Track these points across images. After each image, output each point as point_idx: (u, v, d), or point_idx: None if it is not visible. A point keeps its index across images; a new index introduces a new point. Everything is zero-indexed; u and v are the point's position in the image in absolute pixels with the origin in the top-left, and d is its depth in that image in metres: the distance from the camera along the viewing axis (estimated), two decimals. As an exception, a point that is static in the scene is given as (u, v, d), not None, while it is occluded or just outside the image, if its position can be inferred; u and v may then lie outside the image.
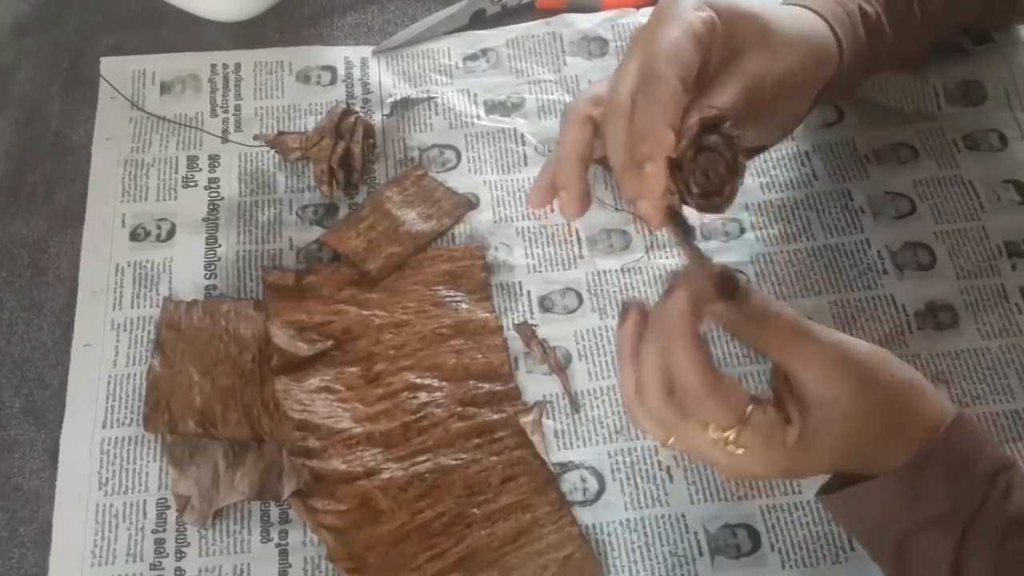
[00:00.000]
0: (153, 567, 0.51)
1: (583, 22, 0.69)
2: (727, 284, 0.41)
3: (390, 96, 0.66)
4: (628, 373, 0.42)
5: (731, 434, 0.41)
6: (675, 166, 0.41)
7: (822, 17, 0.51)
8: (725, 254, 0.59)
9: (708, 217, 0.60)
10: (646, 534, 0.51)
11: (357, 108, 0.65)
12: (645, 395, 0.42)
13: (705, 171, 0.41)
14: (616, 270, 0.60)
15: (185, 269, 0.59)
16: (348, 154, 0.61)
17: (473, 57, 0.68)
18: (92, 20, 0.70)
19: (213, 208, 0.62)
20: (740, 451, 0.42)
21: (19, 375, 0.56)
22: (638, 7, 0.70)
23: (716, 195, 0.41)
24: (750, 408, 0.41)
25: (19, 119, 0.65)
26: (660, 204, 0.41)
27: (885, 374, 0.43)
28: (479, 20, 0.70)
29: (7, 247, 0.61)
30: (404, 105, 0.66)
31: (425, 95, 0.66)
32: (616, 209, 0.62)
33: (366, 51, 0.68)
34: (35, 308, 0.59)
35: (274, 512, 0.52)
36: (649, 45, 0.43)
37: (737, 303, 0.41)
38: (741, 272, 0.42)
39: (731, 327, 0.43)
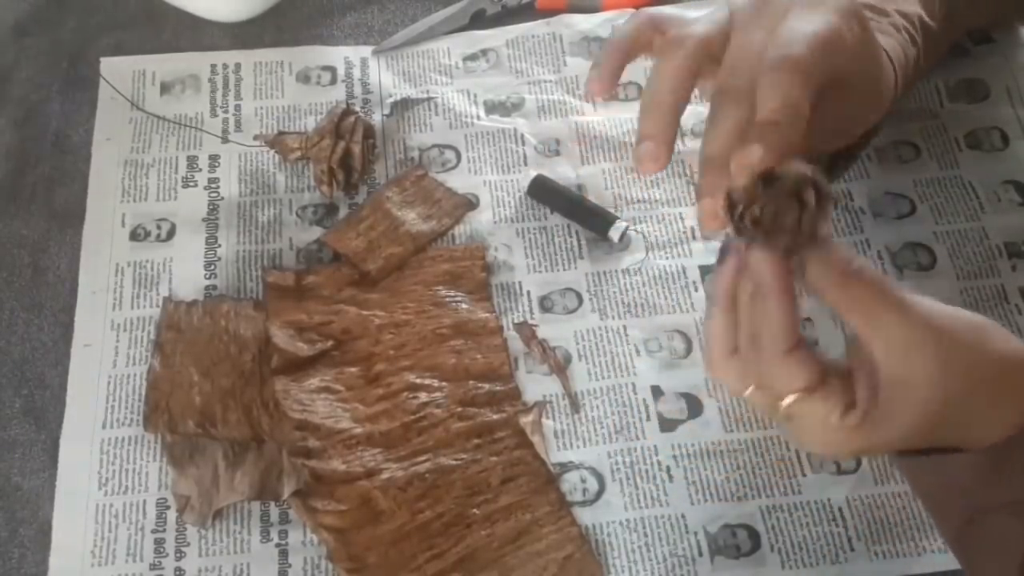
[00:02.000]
0: (153, 567, 0.51)
1: (583, 23, 0.69)
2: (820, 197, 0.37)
3: (390, 96, 0.66)
4: (720, 318, 0.40)
5: (786, 401, 0.39)
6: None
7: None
8: (725, 254, 0.59)
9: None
10: (646, 534, 0.51)
11: (357, 108, 0.65)
12: (741, 344, 0.40)
13: (771, 210, 0.37)
14: (616, 271, 0.60)
15: (185, 269, 0.59)
16: (348, 154, 0.61)
17: (473, 57, 0.68)
18: (92, 20, 0.70)
19: (213, 208, 0.62)
20: (793, 422, 0.40)
21: (19, 375, 0.56)
22: (638, 7, 0.70)
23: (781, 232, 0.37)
24: (811, 383, 0.38)
25: (19, 119, 0.65)
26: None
27: (979, 351, 0.39)
28: (479, 20, 0.70)
29: (7, 247, 0.61)
30: (404, 105, 0.66)
31: (425, 95, 0.66)
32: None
33: (366, 51, 0.69)
34: (35, 308, 0.59)
35: (274, 512, 0.52)
36: (787, 31, 0.40)
37: (819, 248, 0.37)
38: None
39: (812, 277, 0.38)
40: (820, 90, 0.40)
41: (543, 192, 0.62)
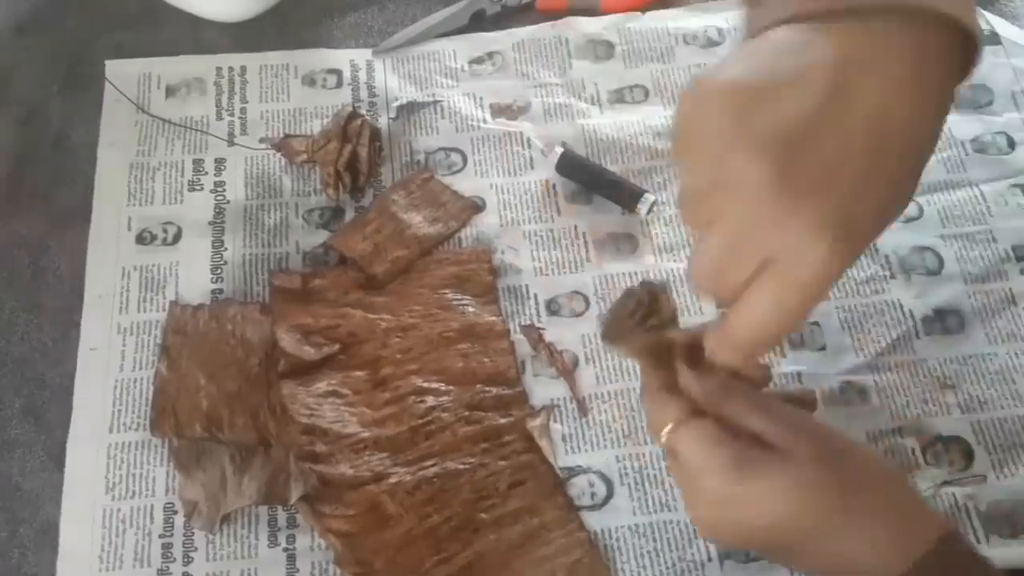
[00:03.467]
0: (161, 572, 0.50)
1: (589, 25, 0.69)
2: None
3: (396, 100, 0.66)
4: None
5: (665, 432, 0.41)
6: None
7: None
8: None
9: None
10: (655, 539, 0.51)
11: (363, 111, 0.65)
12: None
13: None
14: (623, 273, 0.59)
15: (191, 273, 0.59)
16: (355, 157, 0.61)
17: (479, 60, 0.68)
18: (92, 20, 0.70)
19: (219, 212, 0.61)
20: (684, 449, 0.40)
21: (19, 375, 0.56)
22: (643, 9, 0.70)
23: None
24: (680, 415, 0.41)
25: (19, 119, 0.65)
26: None
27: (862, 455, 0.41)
28: (479, 20, 0.70)
29: (7, 247, 0.61)
30: (410, 109, 0.66)
31: (431, 98, 0.66)
32: (622, 213, 0.62)
33: (370, 54, 0.68)
34: (35, 308, 0.58)
35: (281, 517, 0.52)
36: None
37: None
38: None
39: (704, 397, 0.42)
40: None
41: (572, 167, 0.62)
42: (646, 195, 0.60)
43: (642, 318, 0.41)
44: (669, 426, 0.41)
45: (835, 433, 0.42)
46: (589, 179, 0.62)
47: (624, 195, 0.61)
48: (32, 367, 0.57)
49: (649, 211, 0.61)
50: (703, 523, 0.42)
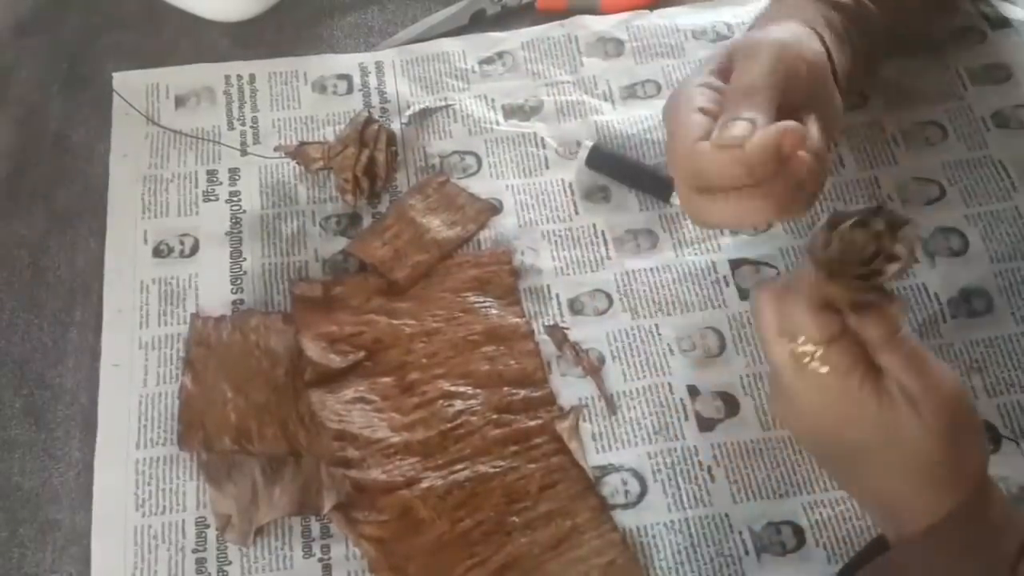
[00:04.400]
0: (195, 587, 0.50)
1: (598, 23, 0.69)
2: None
3: (408, 106, 0.66)
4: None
5: (819, 350, 0.41)
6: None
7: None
8: (753, 249, 0.59)
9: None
10: (691, 535, 0.51)
11: (376, 116, 0.64)
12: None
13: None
14: (645, 269, 0.59)
15: (211, 284, 0.59)
16: (372, 162, 0.61)
17: (489, 60, 0.68)
18: (92, 20, 0.70)
19: (236, 222, 0.61)
20: (824, 370, 0.41)
21: (19, 375, 0.56)
22: (651, 7, 0.70)
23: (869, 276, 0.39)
24: (832, 334, 0.41)
25: (19, 119, 0.65)
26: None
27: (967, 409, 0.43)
28: (479, 20, 0.70)
29: (7, 247, 0.61)
30: (423, 114, 0.65)
31: (443, 103, 0.66)
32: (640, 210, 0.61)
33: (380, 56, 0.68)
34: (35, 308, 0.58)
35: (315, 527, 0.52)
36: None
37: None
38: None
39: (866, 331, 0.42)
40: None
41: (602, 161, 0.62)
42: None
43: (870, 258, 0.38)
44: (823, 345, 0.41)
45: (968, 407, 0.43)
46: (622, 170, 0.62)
47: (660, 184, 0.61)
48: (32, 367, 0.56)
49: None
50: (803, 425, 0.45)
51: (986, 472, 0.43)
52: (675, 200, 0.60)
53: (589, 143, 0.62)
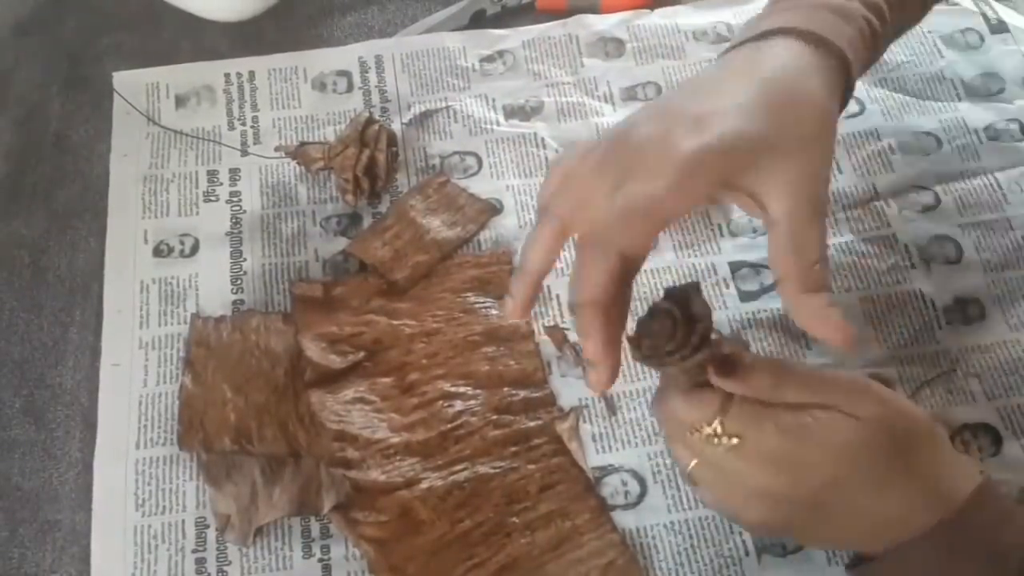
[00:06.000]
0: (195, 587, 0.50)
1: (599, 23, 0.69)
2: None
3: (409, 107, 0.66)
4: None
5: (716, 425, 0.41)
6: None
7: (821, 41, 0.44)
8: (753, 251, 0.59)
9: (737, 213, 0.61)
10: (691, 536, 0.51)
11: (377, 116, 0.64)
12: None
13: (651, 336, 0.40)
14: (646, 271, 0.59)
15: (211, 284, 0.59)
16: (373, 162, 0.61)
17: (489, 59, 0.68)
18: (92, 20, 0.70)
19: (236, 222, 0.61)
20: (735, 441, 0.41)
21: (19, 375, 0.56)
22: (652, 7, 0.70)
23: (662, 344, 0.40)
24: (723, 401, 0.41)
25: (19, 119, 0.65)
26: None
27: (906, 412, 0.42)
28: (479, 20, 0.70)
29: (7, 247, 0.60)
30: (423, 115, 0.65)
31: (443, 104, 0.66)
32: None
33: (379, 48, 0.68)
34: (35, 308, 0.58)
35: (315, 527, 0.52)
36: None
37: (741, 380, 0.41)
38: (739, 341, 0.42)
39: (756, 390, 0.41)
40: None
41: None
42: None
43: (683, 338, 0.40)
44: (716, 421, 0.41)
45: (892, 394, 0.43)
46: None
47: None
48: (32, 367, 0.56)
49: None
50: (752, 510, 0.43)
51: (970, 469, 0.42)
52: None
53: None
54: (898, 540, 0.41)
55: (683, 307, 0.40)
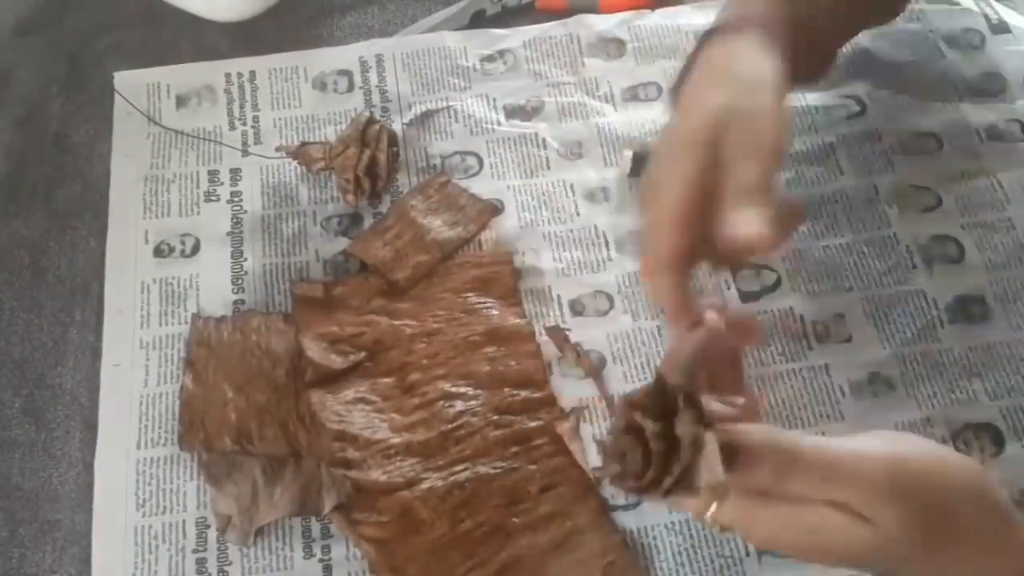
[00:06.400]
0: (196, 588, 0.50)
1: (599, 23, 0.69)
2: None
3: (410, 107, 0.66)
4: None
5: (710, 512, 0.37)
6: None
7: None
8: (754, 253, 0.59)
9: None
10: (691, 536, 0.51)
11: (377, 116, 0.64)
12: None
13: (622, 453, 0.35)
14: (647, 272, 0.59)
15: (212, 284, 0.59)
16: (374, 162, 0.61)
17: (490, 59, 0.68)
18: (92, 20, 0.70)
19: (237, 222, 0.61)
20: (728, 532, 0.39)
21: (19, 375, 0.56)
22: (653, 7, 0.70)
23: (633, 479, 0.35)
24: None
25: (19, 119, 0.65)
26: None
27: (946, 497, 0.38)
28: (479, 20, 0.70)
29: (7, 247, 0.61)
30: (424, 115, 0.65)
31: (444, 104, 0.66)
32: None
33: (380, 47, 0.68)
34: (35, 308, 0.58)
35: (315, 527, 0.52)
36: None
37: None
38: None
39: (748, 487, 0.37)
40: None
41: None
42: None
43: (660, 468, 0.34)
44: (713, 505, 0.37)
45: (919, 463, 0.38)
46: None
47: None
48: (32, 367, 0.56)
49: None
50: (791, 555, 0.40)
51: (1015, 519, 0.39)
52: None
53: (629, 153, 0.62)
54: None
55: (660, 408, 0.35)
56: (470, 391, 0.55)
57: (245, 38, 0.69)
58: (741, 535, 0.41)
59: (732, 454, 0.36)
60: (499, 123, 0.65)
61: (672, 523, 0.51)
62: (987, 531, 0.38)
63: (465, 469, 0.53)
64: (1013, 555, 0.38)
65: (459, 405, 0.55)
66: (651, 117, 0.65)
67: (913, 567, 0.38)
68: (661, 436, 0.35)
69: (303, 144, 0.62)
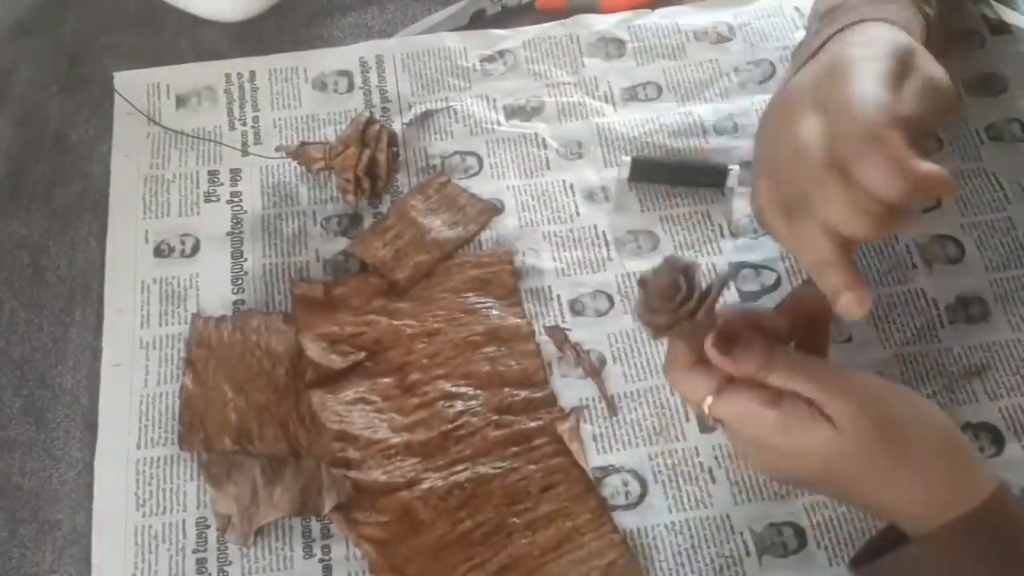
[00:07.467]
0: (196, 587, 0.50)
1: (599, 23, 0.69)
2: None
3: (410, 107, 0.66)
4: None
5: (707, 405, 0.44)
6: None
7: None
8: (754, 251, 0.59)
9: (737, 214, 0.60)
10: (692, 536, 0.51)
11: (377, 116, 0.64)
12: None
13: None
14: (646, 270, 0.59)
15: (212, 284, 0.59)
16: (374, 162, 0.61)
17: (490, 59, 0.68)
18: (92, 20, 0.70)
19: (237, 222, 0.61)
20: (720, 422, 0.44)
21: (19, 375, 0.56)
22: (653, 7, 0.70)
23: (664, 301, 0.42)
24: (712, 389, 0.43)
25: (19, 119, 0.65)
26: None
27: (914, 421, 0.43)
28: (479, 20, 0.70)
29: (7, 247, 0.61)
30: (424, 115, 0.65)
31: (444, 104, 0.66)
32: (641, 211, 0.61)
33: (380, 48, 0.68)
34: (35, 308, 0.58)
35: (315, 527, 0.52)
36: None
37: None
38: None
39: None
40: None
41: (646, 171, 0.62)
42: (729, 169, 0.61)
43: (682, 300, 0.41)
44: (709, 399, 0.43)
45: (889, 392, 0.44)
46: (669, 174, 0.62)
47: (712, 175, 0.61)
48: (32, 367, 0.56)
49: (740, 183, 0.61)
50: (758, 469, 0.48)
51: (975, 468, 0.43)
52: (732, 182, 0.61)
53: (627, 159, 0.62)
54: (924, 528, 0.41)
55: (687, 272, 0.42)
56: (470, 391, 0.55)
57: (245, 38, 0.69)
58: (727, 436, 0.46)
59: (730, 343, 0.42)
60: (499, 123, 0.65)
61: (672, 523, 0.51)
62: (944, 466, 0.42)
63: (465, 469, 0.53)
64: (964, 498, 0.41)
65: (459, 405, 0.55)
66: (650, 116, 0.65)
67: (863, 488, 0.43)
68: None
69: (303, 144, 0.62)
